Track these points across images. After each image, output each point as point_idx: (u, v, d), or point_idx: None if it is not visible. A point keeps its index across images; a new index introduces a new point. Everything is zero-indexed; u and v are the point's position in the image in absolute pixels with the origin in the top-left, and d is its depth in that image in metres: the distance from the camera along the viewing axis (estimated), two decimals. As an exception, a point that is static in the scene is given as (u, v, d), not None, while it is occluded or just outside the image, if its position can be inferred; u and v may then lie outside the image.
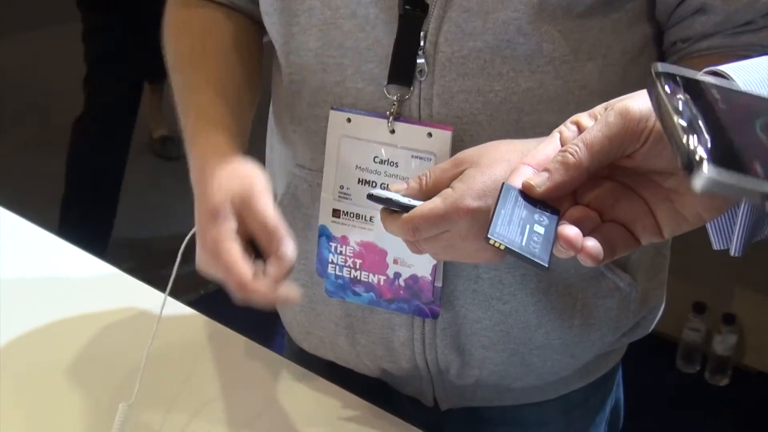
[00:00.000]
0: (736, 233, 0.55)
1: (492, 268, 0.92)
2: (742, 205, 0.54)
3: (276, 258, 0.79)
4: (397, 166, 0.90)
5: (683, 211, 0.55)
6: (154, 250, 2.98)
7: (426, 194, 0.75)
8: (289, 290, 0.79)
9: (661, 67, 0.49)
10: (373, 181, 0.91)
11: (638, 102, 0.53)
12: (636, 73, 0.90)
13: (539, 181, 0.54)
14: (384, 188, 0.86)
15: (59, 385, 1.02)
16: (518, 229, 0.52)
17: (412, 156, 0.89)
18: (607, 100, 0.83)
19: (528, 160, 0.55)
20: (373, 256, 0.93)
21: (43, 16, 4.85)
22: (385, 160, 0.90)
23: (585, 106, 0.82)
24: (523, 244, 0.52)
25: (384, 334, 0.98)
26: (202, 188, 0.84)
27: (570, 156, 0.53)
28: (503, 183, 0.54)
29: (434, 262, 0.91)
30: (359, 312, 0.98)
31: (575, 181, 0.54)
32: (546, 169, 0.54)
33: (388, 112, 0.88)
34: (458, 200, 0.71)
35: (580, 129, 0.55)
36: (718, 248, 0.58)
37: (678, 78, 0.48)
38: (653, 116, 0.52)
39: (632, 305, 0.98)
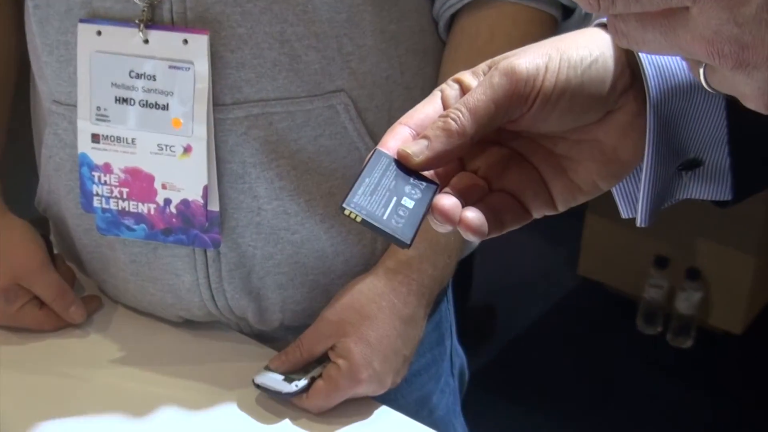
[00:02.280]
0: (640, 202, 0.54)
1: (273, 197, 0.92)
2: (644, 171, 0.53)
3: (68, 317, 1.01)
4: (155, 80, 0.89)
5: (577, 180, 0.55)
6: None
7: (305, 362, 0.93)
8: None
9: None
10: (131, 99, 0.89)
11: (525, 60, 0.52)
12: None
13: (417, 149, 0.51)
14: (265, 369, 0.94)
15: None
16: (382, 200, 0.50)
17: (170, 67, 0.88)
18: (380, 8, 0.90)
19: (405, 120, 0.53)
20: (140, 183, 0.92)
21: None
22: (141, 74, 0.89)
23: (356, 15, 0.89)
24: (385, 217, 0.50)
25: (169, 280, 0.97)
26: None
27: (452, 122, 0.51)
28: (375, 149, 0.52)
29: (204, 182, 0.90)
30: (143, 257, 0.97)
31: (458, 150, 0.51)
32: (425, 136, 0.52)
33: (138, 20, 0.87)
34: (352, 380, 0.91)
35: (463, 88, 0.53)
36: (626, 217, 0.58)
37: None
38: (541, 75, 0.52)
39: None
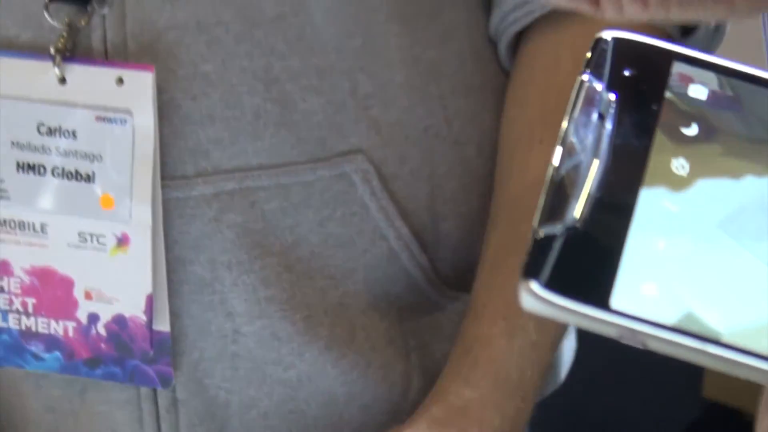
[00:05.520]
0: None
1: (257, 315, 0.82)
2: None
3: None
4: (75, 137, 0.78)
5: None
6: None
7: None
8: None
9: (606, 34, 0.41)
10: (40, 166, 0.78)
11: None
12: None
13: None
14: None
15: None
16: None
17: (98, 119, 0.78)
18: (412, 26, 0.84)
19: None
20: (53, 291, 0.80)
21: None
22: (55, 129, 0.78)
23: (376, 39, 0.83)
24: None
25: None
26: None
27: None
28: None
29: (148, 290, 0.78)
30: (65, 404, 0.84)
31: None
32: None
33: (53, 48, 0.76)
34: None
35: None
36: None
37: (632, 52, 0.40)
38: None
39: None
